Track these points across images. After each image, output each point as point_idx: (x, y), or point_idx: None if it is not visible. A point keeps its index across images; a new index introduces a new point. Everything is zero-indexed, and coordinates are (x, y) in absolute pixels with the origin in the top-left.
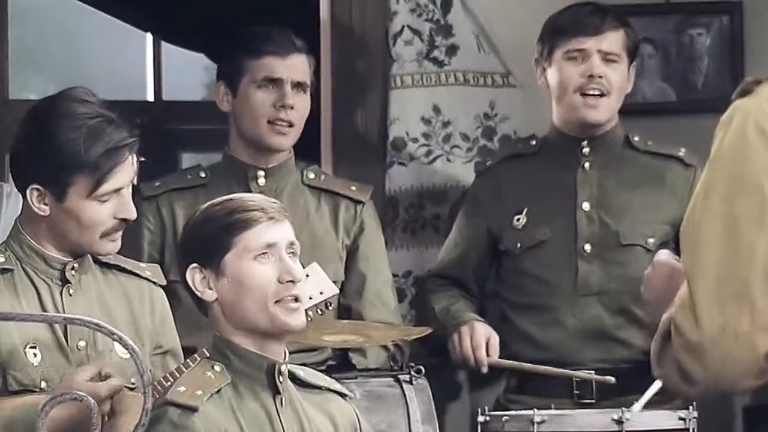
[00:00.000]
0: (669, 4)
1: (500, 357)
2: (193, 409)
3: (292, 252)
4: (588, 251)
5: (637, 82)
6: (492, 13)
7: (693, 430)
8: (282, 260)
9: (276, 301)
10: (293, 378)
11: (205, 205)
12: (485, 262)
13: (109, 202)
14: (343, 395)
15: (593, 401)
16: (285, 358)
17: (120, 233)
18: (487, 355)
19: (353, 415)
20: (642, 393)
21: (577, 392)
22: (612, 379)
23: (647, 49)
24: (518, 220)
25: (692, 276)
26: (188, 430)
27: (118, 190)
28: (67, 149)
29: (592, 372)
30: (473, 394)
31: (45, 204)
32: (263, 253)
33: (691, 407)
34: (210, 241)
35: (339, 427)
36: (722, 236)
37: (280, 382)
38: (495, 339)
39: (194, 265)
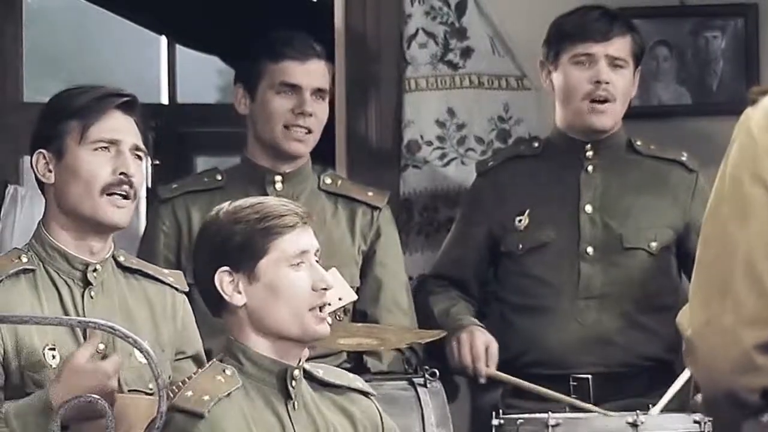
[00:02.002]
0: (684, 6)
1: (501, 358)
2: (199, 415)
3: (317, 259)
4: (590, 254)
5: (652, 84)
6: (506, 15)
7: None
8: (313, 267)
9: (309, 309)
10: (311, 378)
11: (230, 206)
12: (484, 263)
13: (107, 156)
14: (365, 393)
15: (592, 407)
16: (300, 363)
17: (126, 203)
18: (486, 365)
19: (375, 415)
20: (640, 396)
21: (574, 396)
22: (614, 414)
23: (663, 52)
24: (520, 221)
25: (693, 277)
26: None
27: (114, 143)
28: (58, 103)
29: (589, 377)
30: (474, 397)
31: (50, 171)
32: (299, 261)
33: None
34: (243, 245)
35: (359, 428)
36: (713, 235)
37: (293, 387)
38: (494, 347)
39: (224, 268)
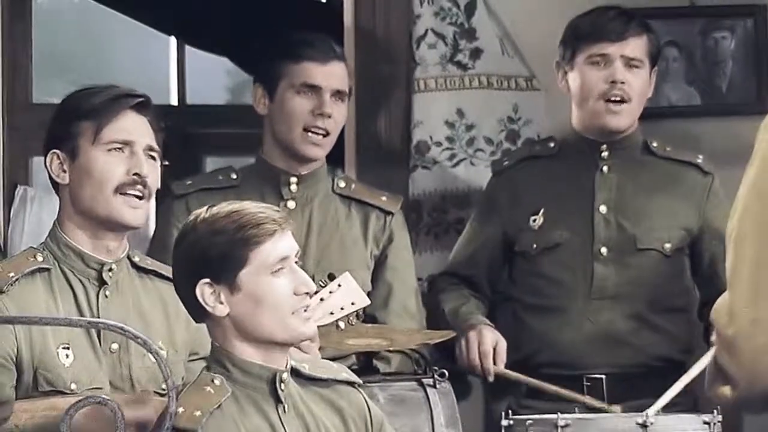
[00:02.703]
0: (694, 7)
1: (513, 358)
2: None
3: (296, 260)
4: (604, 254)
5: (661, 85)
6: (516, 16)
7: None
8: (294, 271)
9: (292, 312)
10: (298, 374)
11: (206, 214)
12: (498, 262)
13: (120, 157)
14: (352, 383)
15: (605, 405)
16: (287, 365)
17: (141, 203)
18: (494, 363)
19: (363, 406)
20: (653, 397)
21: (587, 396)
22: (618, 408)
23: (672, 53)
24: (534, 220)
25: (730, 274)
26: None
27: (127, 144)
28: (72, 103)
29: (601, 377)
30: (487, 398)
31: (64, 171)
32: (279, 267)
33: (715, 411)
34: (223, 256)
35: (348, 421)
36: (757, 234)
37: (282, 390)
38: (502, 346)
39: (205, 280)
